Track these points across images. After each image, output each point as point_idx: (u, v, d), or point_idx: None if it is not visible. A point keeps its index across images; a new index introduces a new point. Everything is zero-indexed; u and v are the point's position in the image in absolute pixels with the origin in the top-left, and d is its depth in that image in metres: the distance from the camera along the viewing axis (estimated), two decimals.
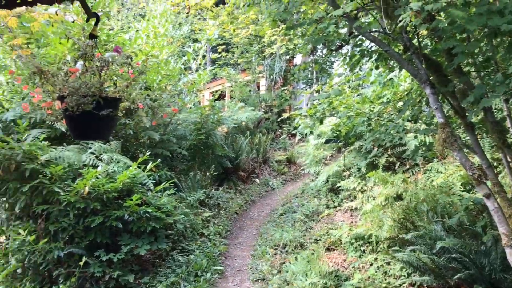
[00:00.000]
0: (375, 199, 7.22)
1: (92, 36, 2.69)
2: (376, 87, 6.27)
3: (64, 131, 6.40)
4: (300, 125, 6.63)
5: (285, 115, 6.86)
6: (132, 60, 2.66)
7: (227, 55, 14.73)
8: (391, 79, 6.27)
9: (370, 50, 4.63)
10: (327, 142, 8.17)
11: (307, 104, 12.22)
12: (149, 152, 6.72)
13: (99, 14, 3.21)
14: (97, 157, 6.18)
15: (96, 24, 2.71)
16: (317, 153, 9.24)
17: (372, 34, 3.89)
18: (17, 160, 5.48)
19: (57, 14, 5.88)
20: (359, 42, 4.41)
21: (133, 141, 8.07)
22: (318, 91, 5.82)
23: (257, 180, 10.80)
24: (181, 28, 11.96)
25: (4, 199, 6.01)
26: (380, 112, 5.70)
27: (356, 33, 4.25)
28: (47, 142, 6.00)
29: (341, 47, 4.23)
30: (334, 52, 4.42)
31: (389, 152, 7.69)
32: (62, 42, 6.25)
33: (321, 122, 5.90)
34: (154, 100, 3.01)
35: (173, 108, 6.67)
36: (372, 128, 5.79)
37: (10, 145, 5.45)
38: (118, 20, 13.63)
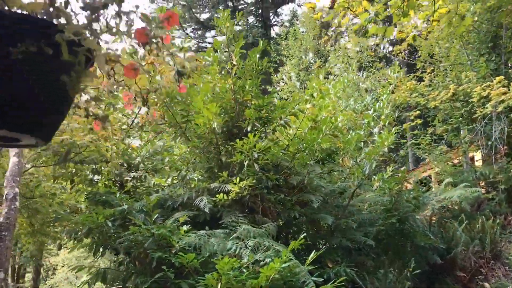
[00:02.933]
0: None
1: None
2: None
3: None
4: None
5: None
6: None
7: (422, 121, 12.25)
8: None
9: None
10: None
11: None
12: (306, 238, 4.91)
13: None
14: (244, 243, 4.72)
15: None
16: None
17: None
18: (145, 247, 4.45)
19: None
20: None
21: (303, 226, 6.42)
22: None
23: (486, 284, 7.50)
24: (363, 99, 10.44)
25: None
26: None
27: None
28: (188, 226, 4.88)
29: None
30: None
31: None
32: (209, 107, 5.37)
33: None
34: None
35: None
36: None
37: (142, 230, 4.49)
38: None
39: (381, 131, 6.91)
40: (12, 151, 3.38)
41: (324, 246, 6.55)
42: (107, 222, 4.74)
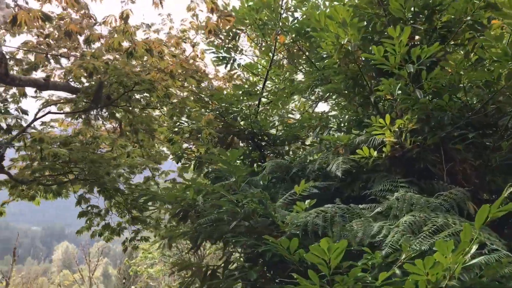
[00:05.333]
0: None
1: None
2: None
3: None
4: None
5: None
6: None
7: None
8: None
9: None
10: None
11: None
12: None
13: None
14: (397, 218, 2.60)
15: None
16: None
17: None
18: (228, 230, 2.83)
19: None
20: None
21: None
22: None
23: None
24: None
25: None
26: None
27: None
28: (309, 200, 3.05)
29: None
30: None
31: None
32: (333, 16, 3.45)
33: None
34: None
35: None
36: None
37: (222, 202, 2.93)
38: None
39: None
40: None
41: None
42: (198, 199, 3.34)
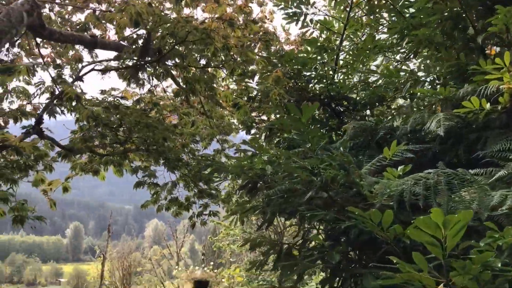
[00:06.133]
0: None
1: None
2: None
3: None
4: None
5: None
6: None
7: None
8: None
9: None
10: None
11: None
12: None
13: None
14: None
15: None
16: None
17: None
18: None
19: None
20: None
21: None
22: None
23: None
24: None
25: None
26: None
27: None
28: (403, 166, 2.49)
29: None
30: None
31: None
32: None
33: None
34: None
35: None
36: None
37: (293, 168, 2.47)
38: None
39: None
40: None
41: None
42: (267, 168, 2.91)
